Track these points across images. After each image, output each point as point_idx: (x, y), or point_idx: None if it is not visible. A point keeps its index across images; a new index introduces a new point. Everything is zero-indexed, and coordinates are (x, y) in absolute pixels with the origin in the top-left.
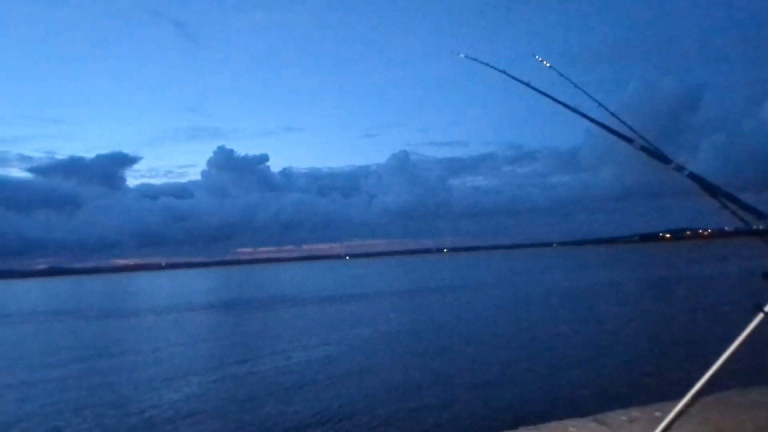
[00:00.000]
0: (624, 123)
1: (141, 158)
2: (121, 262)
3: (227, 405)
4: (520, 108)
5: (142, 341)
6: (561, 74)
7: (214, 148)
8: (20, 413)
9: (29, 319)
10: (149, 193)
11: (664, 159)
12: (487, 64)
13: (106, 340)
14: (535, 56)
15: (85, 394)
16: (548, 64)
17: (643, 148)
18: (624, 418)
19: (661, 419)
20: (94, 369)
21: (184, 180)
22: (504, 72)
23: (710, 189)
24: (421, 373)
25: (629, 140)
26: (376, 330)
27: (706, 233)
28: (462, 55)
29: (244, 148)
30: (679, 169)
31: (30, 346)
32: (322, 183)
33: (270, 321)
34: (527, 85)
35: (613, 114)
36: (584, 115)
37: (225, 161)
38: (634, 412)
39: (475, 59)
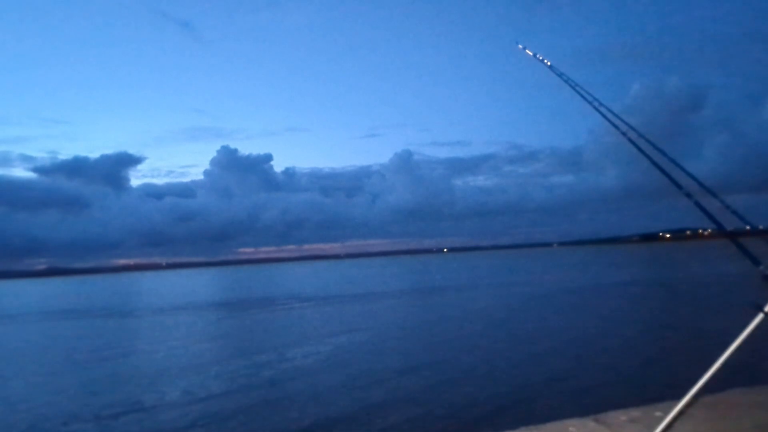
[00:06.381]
0: (625, 122)
1: (145, 158)
2: (122, 262)
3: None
4: (522, 108)
5: (153, 340)
6: (560, 74)
7: (218, 147)
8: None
9: (35, 319)
10: (152, 192)
11: (677, 185)
12: (542, 61)
13: (119, 339)
14: (536, 55)
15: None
16: (549, 63)
17: (656, 165)
18: (624, 418)
19: (661, 419)
20: (116, 372)
21: (186, 180)
22: (551, 68)
23: (716, 223)
24: (421, 374)
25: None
26: (375, 331)
27: (706, 233)
28: (520, 47)
29: (247, 147)
30: (689, 196)
31: (45, 345)
32: (324, 183)
33: (279, 320)
34: (574, 88)
35: (615, 114)
36: (640, 150)
37: (228, 161)
38: (634, 412)
39: (535, 55)
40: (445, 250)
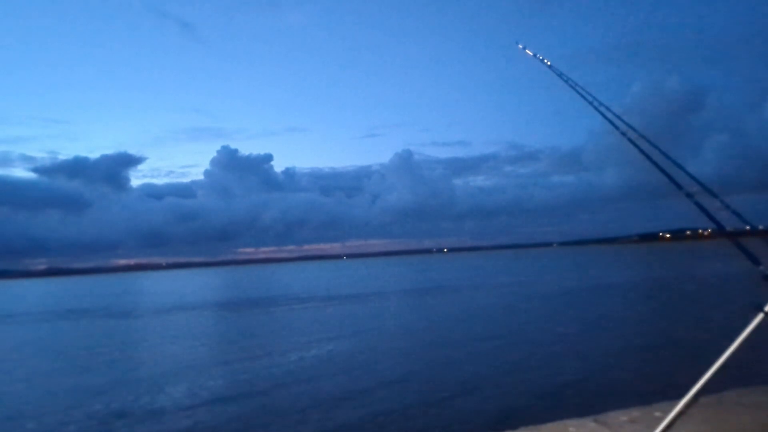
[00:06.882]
0: (625, 123)
1: (145, 158)
2: (122, 262)
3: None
4: (522, 108)
5: (151, 341)
6: (560, 74)
7: (218, 147)
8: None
9: (35, 320)
10: (152, 193)
11: (677, 185)
12: (542, 61)
13: (119, 340)
14: (536, 55)
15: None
16: (549, 63)
17: (656, 165)
18: (624, 418)
19: (661, 419)
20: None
21: (186, 180)
22: (551, 68)
23: (716, 223)
24: (417, 374)
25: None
26: (375, 333)
27: (706, 233)
28: (520, 46)
29: (247, 148)
30: (689, 196)
31: (44, 347)
32: (324, 183)
33: (280, 321)
34: (574, 88)
35: (615, 114)
36: (641, 150)
37: (228, 161)
38: (634, 412)
39: (535, 55)
40: (445, 250)
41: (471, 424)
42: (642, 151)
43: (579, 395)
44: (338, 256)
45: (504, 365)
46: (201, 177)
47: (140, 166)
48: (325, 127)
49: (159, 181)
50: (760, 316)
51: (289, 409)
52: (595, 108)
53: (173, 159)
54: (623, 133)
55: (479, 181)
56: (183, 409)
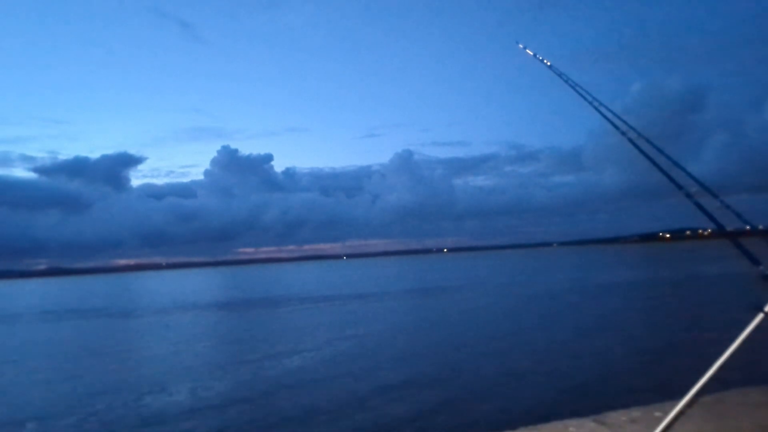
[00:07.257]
0: (625, 123)
1: (146, 158)
2: (122, 262)
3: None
4: (522, 108)
5: (149, 342)
6: (560, 74)
7: (218, 147)
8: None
9: (35, 320)
10: (152, 193)
11: (677, 185)
12: (542, 61)
13: (117, 341)
14: (536, 55)
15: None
16: (549, 63)
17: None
18: (624, 418)
19: (661, 419)
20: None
21: (186, 180)
22: (551, 68)
23: (716, 223)
24: (419, 374)
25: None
26: (374, 335)
27: (706, 233)
28: (521, 46)
29: (247, 148)
30: (689, 196)
31: (39, 351)
32: (324, 183)
33: (278, 321)
34: (574, 88)
35: (615, 114)
36: (641, 150)
37: (228, 161)
38: (634, 412)
39: (535, 55)
40: (445, 250)
41: (471, 424)
42: (642, 151)
43: (579, 395)
44: (338, 256)
45: (504, 366)
46: (201, 177)
47: (140, 166)
48: (325, 127)
49: (159, 181)
50: (760, 316)
51: (292, 412)
52: (595, 108)
53: (173, 159)
54: (623, 133)
55: (479, 181)
56: (185, 410)
